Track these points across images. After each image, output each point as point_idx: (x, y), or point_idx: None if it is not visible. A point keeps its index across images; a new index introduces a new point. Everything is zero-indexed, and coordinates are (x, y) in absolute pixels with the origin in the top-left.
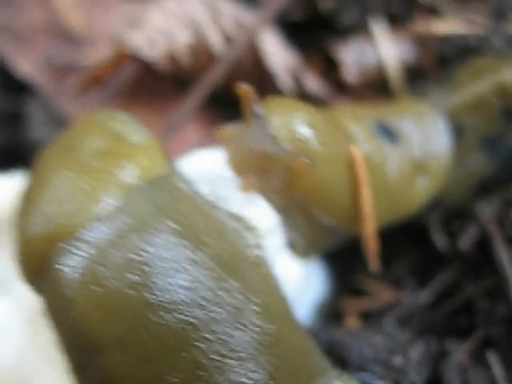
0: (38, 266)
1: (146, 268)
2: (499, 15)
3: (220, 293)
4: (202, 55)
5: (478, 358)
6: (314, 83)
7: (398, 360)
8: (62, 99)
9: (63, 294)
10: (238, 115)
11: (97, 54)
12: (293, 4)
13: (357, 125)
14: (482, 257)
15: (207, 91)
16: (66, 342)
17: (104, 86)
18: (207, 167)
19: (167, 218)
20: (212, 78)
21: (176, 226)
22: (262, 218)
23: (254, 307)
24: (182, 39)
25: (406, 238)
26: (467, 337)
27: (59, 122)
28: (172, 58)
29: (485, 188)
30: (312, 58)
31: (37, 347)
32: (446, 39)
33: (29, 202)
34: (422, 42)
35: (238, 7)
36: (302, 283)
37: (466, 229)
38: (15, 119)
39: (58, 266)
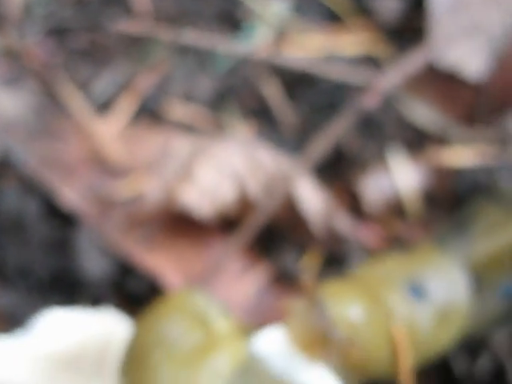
0: None
1: None
2: (504, 147)
3: None
4: (245, 206)
5: None
6: (343, 225)
7: None
8: (108, 231)
9: None
10: (277, 255)
11: (138, 186)
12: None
13: (392, 291)
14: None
15: (248, 235)
16: None
17: (150, 220)
18: (276, 342)
19: None
20: (253, 224)
21: None
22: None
23: None
24: (228, 196)
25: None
26: None
27: (106, 251)
28: (219, 213)
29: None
30: (338, 191)
31: None
32: (457, 172)
33: None
34: (435, 171)
35: (278, 155)
36: None
37: (481, 356)
38: (61, 248)
39: None
